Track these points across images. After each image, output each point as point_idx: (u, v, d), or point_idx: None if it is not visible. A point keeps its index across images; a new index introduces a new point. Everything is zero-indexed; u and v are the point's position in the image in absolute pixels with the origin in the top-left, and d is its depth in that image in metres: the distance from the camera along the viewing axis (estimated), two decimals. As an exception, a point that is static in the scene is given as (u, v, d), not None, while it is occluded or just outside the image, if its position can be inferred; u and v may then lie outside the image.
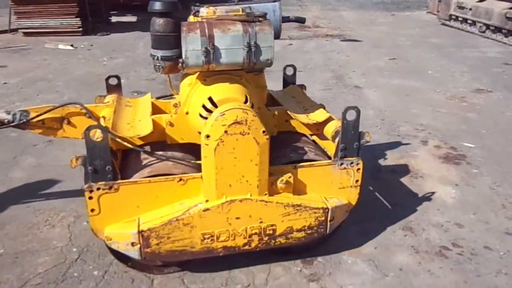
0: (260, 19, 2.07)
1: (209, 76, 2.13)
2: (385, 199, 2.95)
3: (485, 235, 2.56)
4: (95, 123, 2.23)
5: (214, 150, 1.93)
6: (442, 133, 4.06)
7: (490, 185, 3.16)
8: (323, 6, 14.66)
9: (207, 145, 1.93)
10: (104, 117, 2.34)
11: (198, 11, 2.17)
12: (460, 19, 9.96)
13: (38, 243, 2.46)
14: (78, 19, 8.65)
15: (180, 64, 2.07)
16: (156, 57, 2.14)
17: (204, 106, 2.07)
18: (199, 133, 2.09)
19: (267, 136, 1.98)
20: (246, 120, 1.93)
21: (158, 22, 2.12)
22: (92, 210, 1.96)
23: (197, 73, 2.16)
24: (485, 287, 2.17)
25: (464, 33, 9.56)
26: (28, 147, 3.65)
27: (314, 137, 2.57)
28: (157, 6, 2.12)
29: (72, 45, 7.88)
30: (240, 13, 2.09)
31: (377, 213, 2.79)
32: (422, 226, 2.64)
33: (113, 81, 2.67)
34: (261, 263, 2.30)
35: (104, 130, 1.91)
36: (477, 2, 9.37)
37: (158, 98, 2.66)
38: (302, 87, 2.84)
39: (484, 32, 9.11)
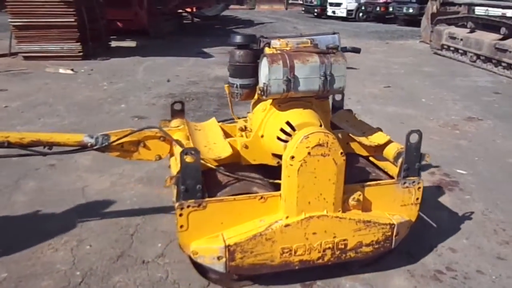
0: (334, 51, 2.30)
1: (283, 102, 2.32)
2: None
3: (477, 259, 2.64)
4: (168, 146, 2.53)
5: (298, 170, 2.10)
6: (435, 159, 4.17)
7: (482, 211, 3.25)
8: (318, 34, 15.02)
9: (291, 165, 2.10)
10: (178, 141, 2.46)
11: (269, 43, 2.40)
12: (452, 48, 10.27)
13: (41, 267, 2.49)
14: (79, 43, 8.85)
15: (259, 91, 2.28)
16: (235, 85, 2.38)
17: (282, 130, 2.28)
18: (273, 155, 2.37)
19: (344, 157, 2.17)
20: (327, 143, 2.12)
21: (238, 54, 2.36)
22: (181, 227, 2.11)
23: (271, 100, 2.34)
24: (479, 311, 2.24)
25: (456, 62, 9.84)
26: (30, 171, 3.71)
27: (371, 159, 2.73)
28: (238, 39, 2.37)
29: (72, 70, 8.03)
30: (309, 44, 2.36)
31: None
32: (418, 250, 2.71)
33: (178, 106, 2.86)
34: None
35: (197, 152, 2.06)
36: (468, 33, 9.70)
37: (219, 122, 2.86)
38: (351, 111, 3.01)
39: (475, 61, 9.40)
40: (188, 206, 2.07)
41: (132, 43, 11.54)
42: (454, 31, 10.24)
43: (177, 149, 2.29)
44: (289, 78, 2.17)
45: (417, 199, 2.43)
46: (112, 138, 2.46)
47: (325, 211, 2.20)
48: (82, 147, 2.44)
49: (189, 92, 6.86)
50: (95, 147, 2.43)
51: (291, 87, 2.20)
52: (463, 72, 8.86)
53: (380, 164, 2.69)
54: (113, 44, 10.84)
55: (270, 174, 2.36)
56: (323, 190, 2.17)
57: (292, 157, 2.09)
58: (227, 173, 2.27)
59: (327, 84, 2.24)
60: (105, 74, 7.86)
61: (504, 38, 8.56)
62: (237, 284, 2.38)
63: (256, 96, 2.43)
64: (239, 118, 2.82)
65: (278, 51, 2.28)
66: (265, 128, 2.36)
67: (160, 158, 2.62)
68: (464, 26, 9.98)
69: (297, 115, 2.30)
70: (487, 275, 2.51)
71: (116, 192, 3.40)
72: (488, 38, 8.95)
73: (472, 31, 9.65)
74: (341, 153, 2.15)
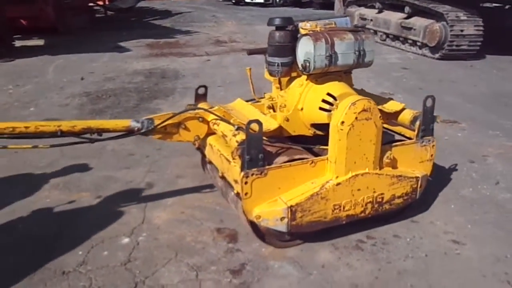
0: (363, 29, 2.67)
1: (320, 77, 2.62)
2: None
3: (394, 225, 2.80)
4: (206, 126, 2.78)
5: (347, 134, 2.36)
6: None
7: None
8: (238, 21, 15.06)
9: (341, 130, 2.35)
10: (213, 121, 2.72)
11: (297, 25, 2.67)
12: (363, 29, 10.79)
13: None
14: (-23, 45, 8.03)
15: (300, 68, 2.56)
16: (276, 64, 2.63)
17: (324, 101, 2.55)
18: (312, 125, 2.70)
19: (382, 121, 2.49)
20: (370, 108, 2.39)
21: (279, 34, 2.62)
22: (246, 194, 2.30)
23: (305, 76, 2.63)
24: (396, 271, 2.39)
25: (368, 42, 10.36)
26: None
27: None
28: (277, 21, 2.64)
29: (-29, 74, 7.28)
30: (333, 25, 2.69)
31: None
32: (342, 225, 2.82)
33: (201, 91, 3.08)
34: (189, 279, 2.32)
35: (260, 123, 2.23)
36: (377, 13, 10.25)
37: (247, 101, 3.07)
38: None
39: (384, 40, 9.97)
40: (252, 174, 2.27)
41: (39, 42, 10.68)
42: (364, 12, 10.76)
43: (224, 126, 2.59)
44: (330, 54, 2.47)
45: (432, 155, 2.80)
46: (156, 122, 2.61)
47: (367, 169, 2.48)
48: (130, 132, 2.59)
49: (106, 89, 6.52)
50: (142, 131, 2.58)
51: (332, 62, 2.50)
52: (376, 51, 9.34)
53: (393, 128, 3.06)
54: (18, 43, 9.95)
55: (304, 144, 2.69)
56: (366, 150, 2.45)
57: (342, 122, 2.34)
58: (276, 144, 2.55)
59: (360, 58, 2.57)
60: (9, 76, 7.21)
61: (409, 16, 9.16)
62: (290, 243, 2.59)
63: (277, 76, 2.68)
64: (261, 98, 3.12)
65: (316, 31, 2.55)
66: (304, 101, 2.64)
67: (199, 138, 2.82)
68: (373, 7, 10.53)
69: (336, 87, 2.60)
70: (403, 238, 2.69)
71: (30, 202, 3.15)
72: (395, 17, 9.53)
73: (380, 12, 10.21)
74: (380, 116, 2.45)
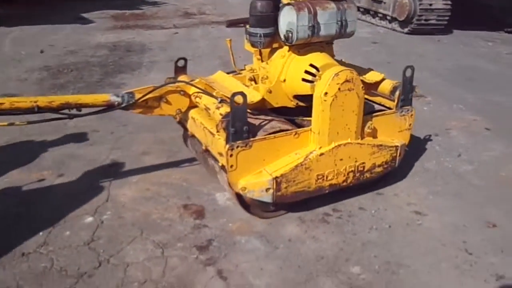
0: None
1: (302, 48, 2.59)
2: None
3: (360, 198, 2.85)
4: (187, 99, 2.72)
5: (330, 104, 2.37)
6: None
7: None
8: (207, -8, 14.62)
9: (325, 100, 2.36)
10: (195, 94, 2.68)
11: None
12: (333, 2, 10.70)
13: None
14: None
15: (283, 39, 2.53)
16: (258, 35, 2.57)
17: (307, 72, 2.54)
18: (294, 96, 2.68)
19: (364, 91, 2.50)
20: (352, 79, 2.40)
21: (260, 4, 2.57)
22: (231, 166, 2.29)
23: (287, 47, 2.60)
24: (360, 243, 2.44)
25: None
26: None
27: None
28: None
29: None
30: None
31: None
32: (308, 198, 2.85)
33: (181, 63, 2.99)
34: (155, 256, 2.29)
35: (244, 95, 2.21)
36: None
37: (228, 73, 3.02)
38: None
39: (354, 13, 9.93)
40: (237, 147, 2.26)
41: (-7, 12, 10.08)
42: (334, -15, 10.64)
43: (206, 99, 2.55)
44: (313, 24, 2.45)
45: (410, 125, 2.86)
46: (137, 96, 2.54)
47: (349, 139, 2.52)
48: (110, 107, 2.50)
49: (67, 63, 6.25)
50: (122, 106, 2.51)
51: (314, 33, 2.47)
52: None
53: (373, 98, 3.07)
54: (-30, 14, 9.37)
55: (286, 115, 2.71)
56: (348, 121, 2.48)
57: (326, 93, 2.35)
58: (260, 116, 2.53)
59: (342, 28, 2.55)
60: (-39, 50, 6.80)
61: (379, -11, 9.13)
62: (275, 214, 2.62)
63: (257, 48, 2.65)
64: (241, 70, 3.06)
65: (298, 1, 2.50)
66: (287, 72, 2.63)
67: (180, 112, 2.77)
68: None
69: (318, 58, 2.58)
70: (368, 210, 2.74)
71: (-14, 182, 3.01)
72: (365, -10, 9.48)
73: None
74: (362, 87, 2.47)
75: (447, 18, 8.05)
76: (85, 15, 10.43)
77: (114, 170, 3.21)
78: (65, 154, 3.46)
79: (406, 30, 8.36)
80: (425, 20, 8.03)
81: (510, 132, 3.95)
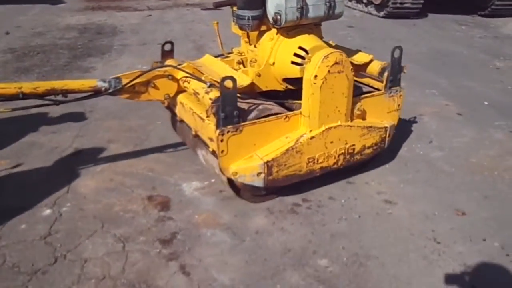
0: None
1: (291, 30, 2.54)
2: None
3: (330, 187, 2.79)
4: (176, 84, 2.67)
5: (320, 87, 2.35)
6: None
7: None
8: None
9: (315, 83, 2.34)
10: (183, 79, 2.62)
11: None
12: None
13: None
14: None
15: (272, 21, 2.48)
16: (246, 17, 2.50)
17: (296, 54, 2.50)
18: (284, 79, 2.63)
19: (353, 73, 2.49)
20: (342, 61, 2.39)
21: None
22: (222, 151, 2.27)
23: (275, 30, 2.56)
24: (329, 234, 2.38)
25: None
26: None
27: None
28: None
29: None
30: None
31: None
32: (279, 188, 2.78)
33: (168, 47, 2.89)
34: (115, 251, 2.19)
35: (234, 79, 2.17)
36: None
37: (216, 56, 2.97)
38: None
39: (332, -4, 9.79)
40: (228, 132, 2.24)
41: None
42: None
43: (195, 84, 2.49)
44: (302, 5, 2.41)
45: (399, 105, 2.86)
46: (124, 81, 2.50)
47: (339, 121, 2.51)
48: (96, 92, 2.47)
49: (34, 45, 5.98)
50: (110, 91, 2.47)
51: (303, 14, 2.43)
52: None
53: (362, 80, 3.04)
54: None
55: (275, 99, 2.66)
56: (338, 103, 2.47)
57: (316, 76, 2.33)
58: (249, 100, 2.50)
59: (330, 9, 2.52)
60: None
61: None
62: (265, 198, 2.62)
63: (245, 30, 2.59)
64: (229, 54, 3.01)
65: None
66: (276, 55, 2.58)
67: (169, 97, 2.71)
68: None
69: (307, 40, 2.54)
70: (337, 200, 2.68)
71: None
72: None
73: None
74: (351, 69, 2.45)
75: (422, 2, 8.01)
76: (55, -6, 10.01)
77: (77, 159, 3.07)
78: (26, 142, 3.30)
79: (382, 13, 8.29)
80: (401, 3, 7.97)
81: (481, 117, 3.95)
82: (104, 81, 2.47)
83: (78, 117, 3.73)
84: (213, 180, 2.84)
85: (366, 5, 8.75)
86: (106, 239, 2.28)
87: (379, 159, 3.06)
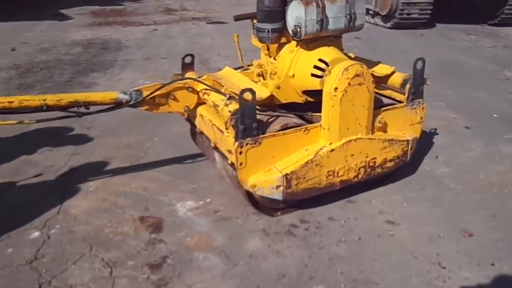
0: None
1: (311, 42, 2.52)
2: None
3: (330, 207, 2.67)
4: (195, 96, 2.68)
5: (340, 99, 2.33)
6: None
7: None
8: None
9: (335, 96, 2.33)
10: (203, 91, 2.62)
11: None
12: None
13: None
14: None
15: (291, 34, 2.48)
16: (266, 30, 2.52)
17: (316, 67, 2.48)
18: (303, 92, 2.62)
19: (374, 85, 2.46)
20: (363, 73, 2.36)
21: None
22: (241, 164, 2.26)
23: (295, 42, 2.55)
24: (327, 258, 2.26)
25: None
26: None
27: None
28: None
29: None
30: None
31: (231, 198, 2.76)
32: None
33: (188, 60, 2.92)
34: (102, 277, 2.10)
35: (253, 92, 2.17)
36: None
37: (235, 69, 2.97)
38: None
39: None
40: (247, 144, 2.23)
41: (-34, 7, 9.74)
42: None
43: (214, 96, 2.49)
44: (322, 18, 2.39)
45: (421, 118, 2.81)
46: (145, 93, 2.53)
47: (360, 134, 2.48)
48: (118, 104, 2.50)
49: (38, 61, 6.00)
50: (130, 103, 2.50)
51: (323, 27, 2.42)
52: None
53: (383, 92, 3.00)
54: None
55: (295, 111, 2.64)
56: (359, 116, 2.45)
57: (336, 88, 2.31)
58: (269, 112, 2.50)
59: (351, 22, 2.49)
60: None
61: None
62: (285, 211, 2.59)
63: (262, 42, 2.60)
64: (249, 66, 3.01)
65: None
66: (295, 68, 2.56)
67: (189, 109, 2.72)
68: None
69: (327, 52, 2.52)
70: (337, 220, 2.56)
71: None
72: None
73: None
74: (372, 81, 2.42)
75: (429, 11, 7.90)
76: (63, 11, 10.15)
77: (71, 178, 3.01)
78: (22, 160, 3.25)
79: (389, 24, 8.20)
80: (407, 14, 7.87)
81: (489, 130, 3.81)
82: (125, 94, 2.51)
83: (76, 134, 3.69)
84: (208, 200, 2.75)
85: (373, 16, 8.66)
86: (93, 264, 2.19)
87: (401, 172, 2.95)
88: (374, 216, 2.61)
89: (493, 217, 2.61)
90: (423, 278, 2.13)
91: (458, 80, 5.24)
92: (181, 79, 2.68)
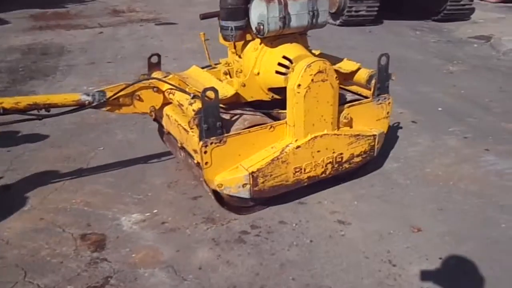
0: None
1: (275, 40, 2.51)
2: (185, 192, 2.83)
3: (280, 209, 2.63)
4: (161, 96, 2.65)
5: (304, 96, 2.33)
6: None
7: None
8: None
9: (298, 93, 2.33)
10: (168, 91, 2.57)
11: None
12: None
13: None
14: None
15: (255, 31, 2.45)
16: (229, 28, 2.48)
17: (280, 64, 2.47)
18: (269, 89, 2.61)
19: (338, 81, 2.46)
20: (326, 69, 2.36)
21: None
22: (206, 163, 2.24)
23: (259, 40, 2.52)
24: (279, 263, 2.21)
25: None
26: None
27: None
28: None
29: None
30: None
31: (179, 207, 2.65)
32: (224, 215, 2.59)
33: (154, 60, 2.88)
34: (37, 306, 1.94)
35: (216, 90, 2.15)
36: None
37: (203, 68, 2.91)
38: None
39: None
40: (211, 143, 2.21)
41: None
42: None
43: (179, 96, 2.43)
44: (284, 15, 2.38)
45: (388, 112, 2.83)
46: (108, 94, 2.48)
47: (325, 130, 2.49)
48: (80, 106, 2.44)
49: (-30, 70, 5.59)
50: (93, 105, 2.44)
51: (286, 24, 2.40)
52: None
53: (350, 88, 3.01)
54: None
55: (261, 109, 2.64)
56: (324, 112, 2.45)
57: (299, 85, 2.31)
58: (234, 110, 2.47)
59: (314, 18, 2.48)
60: None
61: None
62: (253, 209, 2.58)
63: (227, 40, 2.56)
64: (216, 64, 2.97)
65: None
66: (260, 65, 2.55)
67: (155, 109, 2.69)
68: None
69: (291, 49, 2.51)
70: (289, 223, 2.52)
71: None
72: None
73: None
74: (336, 77, 2.42)
75: (376, 8, 8.07)
76: (0, 15, 9.54)
77: (4, 197, 2.79)
78: None
79: (338, 22, 8.30)
80: (355, 11, 8.00)
81: (435, 124, 3.90)
82: (88, 95, 2.44)
83: (12, 148, 3.44)
84: (155, 211, 2.63)
85: (322, 13, 8.74)
86: (27, 292, 2.02)
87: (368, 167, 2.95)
88: (325, 217, 2.59)
89: (439, 211, 2.65)
90: (374, 278, 2.12)
91: (405, 75, 5.36)
92: (147, 79, 2.63)
